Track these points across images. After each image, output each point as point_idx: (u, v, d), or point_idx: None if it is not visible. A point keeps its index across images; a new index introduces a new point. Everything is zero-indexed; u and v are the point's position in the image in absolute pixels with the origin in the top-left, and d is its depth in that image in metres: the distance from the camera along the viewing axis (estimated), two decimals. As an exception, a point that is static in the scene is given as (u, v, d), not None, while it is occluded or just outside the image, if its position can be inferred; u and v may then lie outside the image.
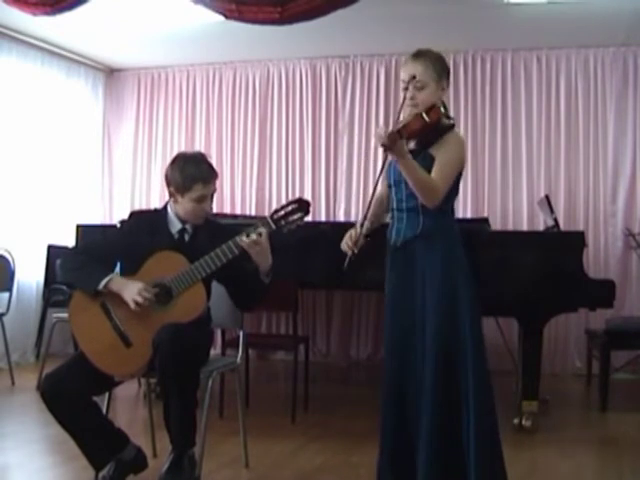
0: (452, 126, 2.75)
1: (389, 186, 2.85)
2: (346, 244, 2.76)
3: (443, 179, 2.66)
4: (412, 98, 2.70)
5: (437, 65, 2.73)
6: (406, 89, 2.71)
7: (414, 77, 2.67)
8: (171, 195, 3.05)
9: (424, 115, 2.62)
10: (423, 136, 2.69)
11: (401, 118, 2.73)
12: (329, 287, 5.80)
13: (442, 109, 2.69)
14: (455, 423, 2.67)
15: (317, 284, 4.95)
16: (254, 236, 2.88)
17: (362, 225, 2.76)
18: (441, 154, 2.68)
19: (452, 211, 2.83)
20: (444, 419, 2.66)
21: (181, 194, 3.00)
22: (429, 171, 2.66)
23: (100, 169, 7.20)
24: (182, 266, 2.91)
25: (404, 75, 2.73)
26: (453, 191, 2.76)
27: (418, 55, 2.73)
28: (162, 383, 2.88)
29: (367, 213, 2.82)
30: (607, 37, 5.84)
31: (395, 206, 2.82)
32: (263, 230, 2.90)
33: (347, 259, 2.71)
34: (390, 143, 2.50)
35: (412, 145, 2.72)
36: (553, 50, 6.19)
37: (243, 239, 2.89)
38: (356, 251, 2.71)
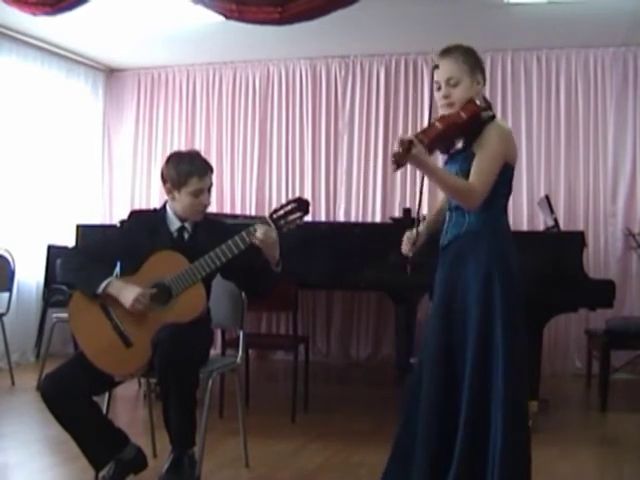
0: (492, 117, 2.53)
1: None
2: (405, 247, 2.63)
3: (481, 178, 2.46)
4: (446, 97, 2.50)
5: (468, 58, 2.53)
6: (439, 89, 2.53)
7: (450, 78, 2.48)
8: (168, 192, 3.07)
9: (461, 113, 2.45)
10: (462, 134, 2.51)
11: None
12: (329, 287, 5.80)
13: (480, 102, 2.51)
14: (485, 434, 2.46)
15: (317, 284, 4.94)
16: (260, 235, 2.89)
17: (417, 226, 2.61)
18: (480, 150, 2.48)
19: (504, 209, 2.62)
20: (475, 429, 2.44)
21: (177, 190, 3.02)
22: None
23: (100, 169, 7.20)
24: (182, 265, 2.92)
25: (436, 76, 2.53)
26: (500, 187, 2.53)
27: (445, 52, 2.54)
28: (162, 383, 2.88)
29: (419, 215, 2.62)
30: (607, 37, 5.83)
31: (447, 205, 2.67)
32: (272, 227, 2.92)
33: (408, 264, 2.58)
34: (401, 155, 2.26)
35: (460, 145, 2.58)
36: (553, 50, 6.19)
37: (256, 234, 2.90)
38: (411, 254, 2.60)
